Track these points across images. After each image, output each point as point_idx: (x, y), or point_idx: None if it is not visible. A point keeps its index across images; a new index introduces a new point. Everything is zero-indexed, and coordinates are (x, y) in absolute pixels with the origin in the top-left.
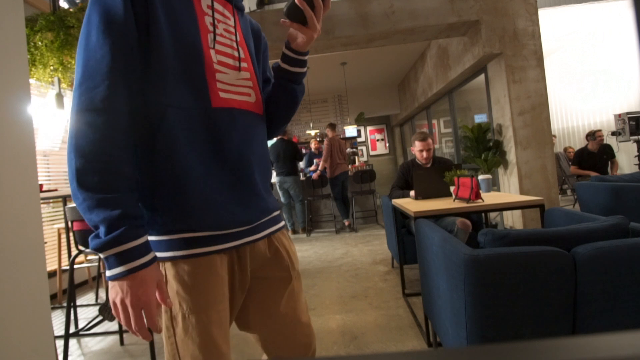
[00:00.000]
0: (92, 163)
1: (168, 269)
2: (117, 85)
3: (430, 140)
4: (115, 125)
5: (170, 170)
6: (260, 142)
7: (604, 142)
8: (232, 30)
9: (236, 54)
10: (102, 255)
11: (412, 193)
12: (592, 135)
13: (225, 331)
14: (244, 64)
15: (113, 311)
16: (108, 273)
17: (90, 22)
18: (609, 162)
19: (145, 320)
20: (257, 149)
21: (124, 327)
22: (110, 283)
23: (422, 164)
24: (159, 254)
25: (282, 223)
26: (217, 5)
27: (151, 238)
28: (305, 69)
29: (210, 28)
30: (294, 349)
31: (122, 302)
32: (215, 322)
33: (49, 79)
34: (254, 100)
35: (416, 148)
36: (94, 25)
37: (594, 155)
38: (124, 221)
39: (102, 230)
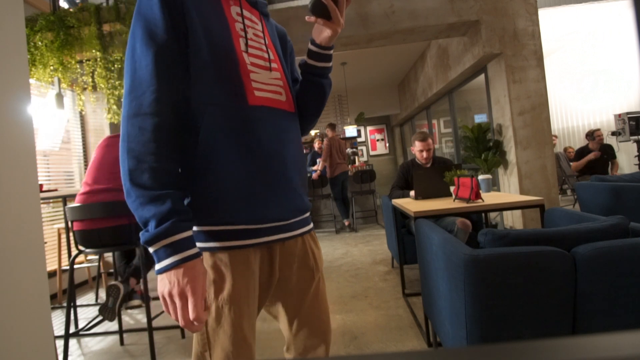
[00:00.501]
0: (143, 163)
1: (206, 259)
2: (161, 91)
3: (430, 140)
4: (162, 127)
5: (209, 165)
6: (293, 139)
7: (604, 142)
8: (261, 34)
9: (266, 55)
10: (151, 249)
11: (412, 193)
12: (591, 135)
13: (253, 325)
14: (274, 65)
15: (162, 305)
16: (157, 266)
17: (135, 35)
18: (610, 163)
19: (190, 312)
20: (291, 146)
21: (175, 320)
22: (159, 277)
23: (422, 163)
24: (198, 244)
25: (312, 225)
26: (245, 13)
27: (201, 229)
28: (331, 64)
29: (242, 33)
30: (311, 346)
31: (170, 294)
32: (245, 315)
33: (49, 79)
34: (285, 99)
35: (416, 148)
36: (138, 37)
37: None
38: (172, 215)
39: (151, 224)
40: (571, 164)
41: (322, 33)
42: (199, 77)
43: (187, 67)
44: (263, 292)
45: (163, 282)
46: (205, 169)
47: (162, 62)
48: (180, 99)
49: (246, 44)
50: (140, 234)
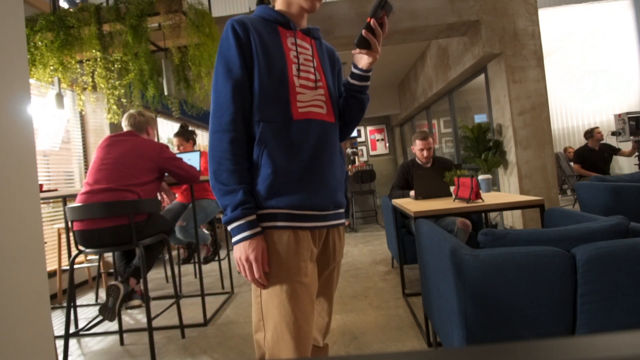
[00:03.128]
0: (222, 166)
1: (268, 235)
2: (236, 112)
3: (430, 139)
4: (235, 140)
5: (265, 167)
6: (332, 144)
7: (604, 140)
8: (310, 58)
9: (313, 77)
10: (229, 227)
11: (412, 193)
12: (590, 132)
13: (308, 296)
14: (319, 84)
15: (237, 267)
16: (233, 239)
17: (218, 70)
18: (611, 159)
19: (255, 273)
20: (329, 150)
21: (246, 279)
22: (235, 246)
23: (422, 163)
24: (263, 224)
25: (344, 220)
26: (299, 42)
27: (260, 212)
28: (369, 82)
29: (295, 60)
30: (316, 322)
31: (241, 258)
32: (293, 289)
33: (49, 79)
34: (326, 112)
35: (417, 147)
36: (219, 72)
37: (595, 152)
38: (242, 204)
39: (229, 210)
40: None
41: (364, 60)
42: (259, 99)
43: (252, 92)
44: (315, 269)
45: (237, 250)
46: (263, 169)
47: (236, 92)
48: (248, 118)
49: (298, 69)
50: (222, 216)
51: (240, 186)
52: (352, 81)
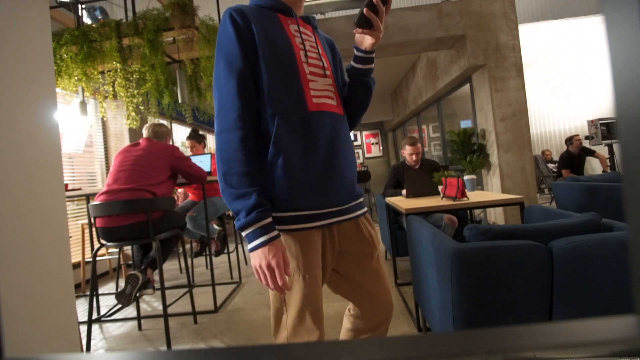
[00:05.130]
0: (231, 168)
1: (284, 238)
2: (242, 109)
3: (419, 145)
4: (244, 139)
5: (282, 168)
6: (344, 137)
7: (582, 145)
8: (315, 45)
9: (321, 64)
10: (243, 234)
11: (403, 192)
12: (570, 140)
13: (320, 290)
14: (327, 72)
15: (256, 275)
16: (249, 246)
17: (218, 66)
18: (585, 160)
19: (278, 279)
20: (343, 143)
21: (266, 285)
22: (252, 254)
23: (411, 165)
24: (278, 227)
25: (366, 209)
26: (302, 29)
27: (276, 215)
28: (373, 65)
29: (301, 46)
30: (375, 316)
31: (261, 266)
32: (311, 282)
33: (74, 88)
34: (336, 103)
35: (406, 151)
36: (220, 68)
37: (576, 156)
38: (256, 207)
39: (242, 215)
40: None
41: (366, 40)
42: (268, 92)
43: (260, 86)
44: (327, 265)
45: (255, 257)
46: (277, 168)
47: (241, 86)
48: (255, 113)
49: (306, 55)
50: (235, 222)
51: (253, 189)
52: (356, 65)
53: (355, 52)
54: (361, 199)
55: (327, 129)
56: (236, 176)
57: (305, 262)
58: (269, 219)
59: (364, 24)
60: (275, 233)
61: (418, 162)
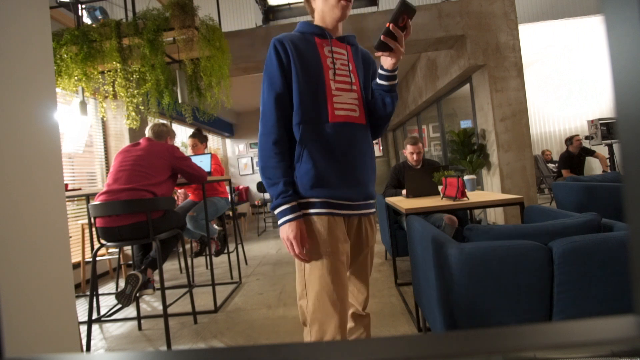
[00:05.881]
0: (267, 163)
1: (310, 220)
2: (278, 119)
3: (420, 144)
4: (278, 141)
5: (306, 163)
6: (362, 145)
7: (582, 145)
8: (346, 62)
9: (348, 80)
10: (275, 212)
11: (403, 192)
12: (570, 140)
13: (340, 272)
14: (354, 87)
15: (284, 244)
16: (279, 222)
17: (264, 83)
18: (585, 160)
19: (296, 250)
20: (360, 149)
21: (291, 254)
22: (280, 228)
23: (412, 165)
24: (304, 211)
25: (374, 210)
26: (334, 49)
27: (302, 201)
28: (397, 81)
29: (331, 66)
30: (355, 297)
31: (287, 238)
32: (330, 266)
33: (74, 88)
34: (358, 114)
35: (407, 151)
36: (265, 86)
37: (575, 157)
38: (282, 193)
39: (274, 198)
40: (549, 165)
41: (387, 61)
42: (298, 105)
43: (292, 100)
44: (348, 252)
45: (282, 231)
46: (301, 162)
47: (278, 102)
48: (288, 122)
49: (334, 73)
50: (270, 205)
51: (282, 179)
52: (379, 82)
53: (379, 71)
54: (371, 201)
55: (345, 137)
56: (270, 169)
57: (328, 245)
58: (293, 203)
59: (383, 48)
60: (297, 214)
61: (419, 162)
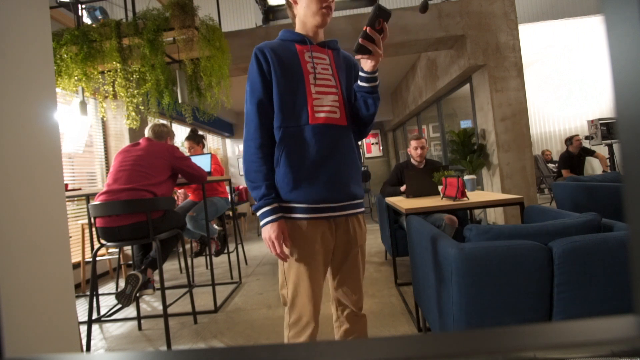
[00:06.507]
0: (250, 167)
1: (290, 223)
2: (260, 124)
3: (424, 140)
4: (259, 146)
5: (284, 165)
6: (343, 145)
7: (582, 145)
8: (327, 66)
9: (329, 82)
10: (257, 214)
11: (402, 188)
12: (570, 140)
13: (317, 268)
14: (335, 90)
15: (266, 244)
16: (261, 223)
17: (247, 91)
18: (585, 160)
19: (277, 249)
20: (342, 151)
21: (272, 253)
22: (262, 229)
23: (416, 162)
24: (284, 214)
25: (362, 209)
26: (315, 54)
27: (282, 204)
28: (377, 82)
29: (311, 70)
30: (348, 297)
31: (270, 237)
32: (306, 262)
33: (74, 88)
34: (339, 116)
35: (412, 146)
36: (248, 92)
37: (576, 157)
38: (264, 196)
39: (256, 201)
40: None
41: (367, 64)
42: (279, 110)
43: (272, 106)
44: (327, 255)
45: (264, 232)
46: (280, 165)
47: (259, 108)
48: (270, 127)
49: (315, 78)
50: (253, 207)
51: (264, 182)
52: (361, 84)
53: (360, 73)
54: (358, 200)
55: (326, 138)
56: (253, 173)
57: (305, 246)
58: (274, 205)
59: (362, 50)
60: (277, 215)
61: (423, 158)
